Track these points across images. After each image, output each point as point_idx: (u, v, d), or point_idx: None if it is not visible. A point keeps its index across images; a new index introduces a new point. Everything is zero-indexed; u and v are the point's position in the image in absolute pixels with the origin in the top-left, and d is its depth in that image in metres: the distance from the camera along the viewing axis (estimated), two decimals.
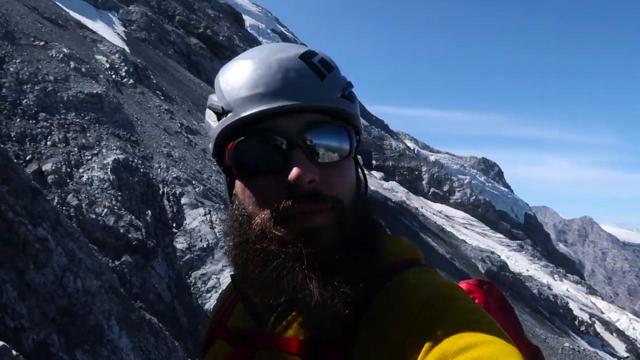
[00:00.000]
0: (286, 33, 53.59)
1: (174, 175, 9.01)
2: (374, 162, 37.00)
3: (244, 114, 0.68)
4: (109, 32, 21.82)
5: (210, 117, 0.76)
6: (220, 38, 32.61)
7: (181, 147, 11.03)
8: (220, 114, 0.72)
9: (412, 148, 46.89)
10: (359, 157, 0.79)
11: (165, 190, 10.79)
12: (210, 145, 0.77)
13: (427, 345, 0.57)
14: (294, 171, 0.64)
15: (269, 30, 67.95)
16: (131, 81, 13.18)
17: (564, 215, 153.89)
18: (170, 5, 32.18)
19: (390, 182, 34.31)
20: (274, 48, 0.73)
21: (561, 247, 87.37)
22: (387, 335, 0.62)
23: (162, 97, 14.43)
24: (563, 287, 32.24)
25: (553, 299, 26.86)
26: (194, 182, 9.30)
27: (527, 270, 31.26)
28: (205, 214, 7.96)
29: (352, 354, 0.63)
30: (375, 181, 30.65)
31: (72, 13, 17.25)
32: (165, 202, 8.07)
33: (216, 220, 7.76)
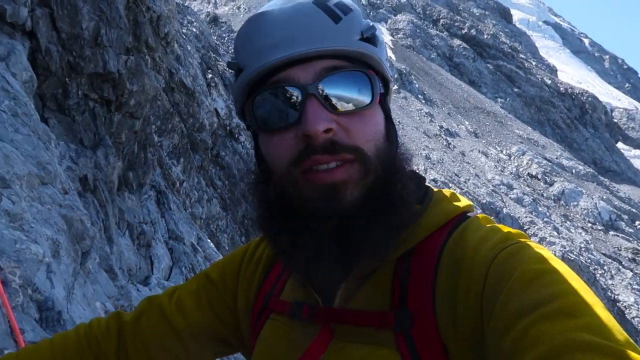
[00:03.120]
0: (561, 23, 48.30)
1: (432, 178, 9.16)
2: None
3: (254, 68, 0.66)
4: None
5: (233, 76, 0.76)
6: (485, 37, 31.65)
7: (439, 150, 11.17)
8: (237, 71, 0.71)
9: None
10: (391, 105, 0.74)
11: None
12: (235, 106, 0.75)
13: (501, 300, 0.55)
14: (307, 121, 0.61)
15: (540, 23, 62.32)
16: (395, 87, 13.93)
17: None
18: (435, 10, 32.84)
19: None
20: None
21: None
22: (462, 294, 0.60)
23: (423, 101, 14.88)
24: None
25: None
26: (450, 184, 9.29)
27: None
28: None
29: (439, 317, 0.61)
30: None
31: None
32: None
33: None
